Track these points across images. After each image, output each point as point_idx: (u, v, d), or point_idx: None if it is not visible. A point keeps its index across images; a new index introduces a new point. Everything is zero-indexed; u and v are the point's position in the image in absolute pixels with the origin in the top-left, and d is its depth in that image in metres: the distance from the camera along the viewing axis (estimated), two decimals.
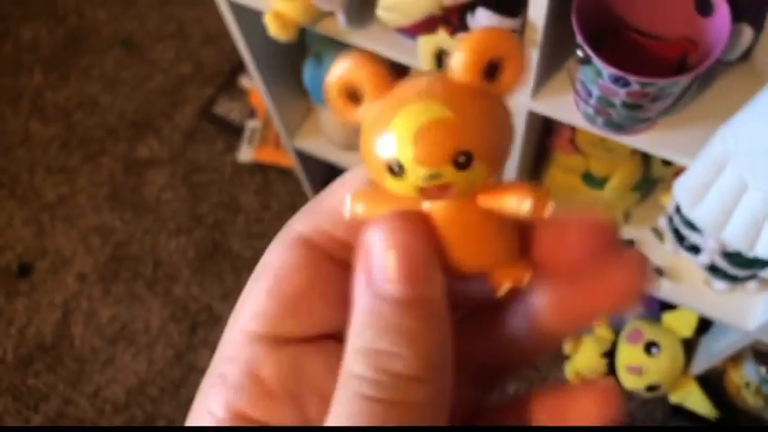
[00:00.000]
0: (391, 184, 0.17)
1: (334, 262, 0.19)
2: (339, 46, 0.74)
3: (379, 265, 0.17)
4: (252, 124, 1.27)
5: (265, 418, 0.18)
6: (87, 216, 1.32)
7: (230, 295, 1.23)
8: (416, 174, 0.16)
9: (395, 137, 0.17)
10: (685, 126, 0.66)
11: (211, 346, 1.18)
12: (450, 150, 0.16)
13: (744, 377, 1.04)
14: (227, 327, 0.19)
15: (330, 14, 0.71)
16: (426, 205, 0.18)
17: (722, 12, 0.58)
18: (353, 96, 0.18)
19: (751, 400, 1.04)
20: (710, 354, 0.96)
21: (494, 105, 0.17)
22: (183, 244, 1.28)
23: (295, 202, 1.25)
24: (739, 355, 1.04)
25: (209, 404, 0.18)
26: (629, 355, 0.98)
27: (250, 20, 0.77)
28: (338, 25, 0.71)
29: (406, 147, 0.16)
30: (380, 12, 0.64)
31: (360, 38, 0.72)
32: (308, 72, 0.86)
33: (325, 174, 1.12)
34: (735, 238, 0.64)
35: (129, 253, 1.28)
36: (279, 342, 0.18)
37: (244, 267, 1.25)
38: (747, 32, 0.61)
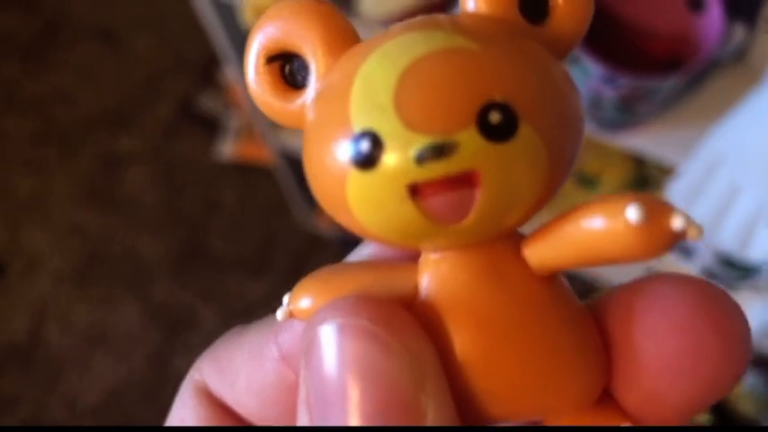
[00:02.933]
0: (357, 195, 0.10)
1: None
2: None
3: (333, 390, 0.10)
4: (234, 120, 1.24)
5: None
6: (64, 214, 1.29)
7: (212, 296, 1.20)
8: (406, 147, 0.09)
9: (362, 93, 0.09)
10: (678, 127, 0.64)
11: (192, 349, 1.15)
12: (475, 96, 0.09)
13: (741, 384, 1.03)
14: None
15: None
16: (425, 277, 0.10)
17: (714, 9, 0.56)
18: (290, 77, 0.11)
19: (749, 407, 1.03)
20: None
21: (542, 51, 0.10)
22: (163, 243, 1.25)
23: (277, 201, 1.22)
24: None
25: None
26: None
27: (229, 13, 0.75)
28: None
29: (385, 100, 0.09)
30: (365, 6, 0.61)
31: None
32: None
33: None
34: (728, 241, 0.63)
35: (108, 252, 1.25)
36: None
37: (226, 267, 1.22)
38: (740, 31, 0.60)
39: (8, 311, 1.22)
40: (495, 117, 0.09)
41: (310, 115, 0.11)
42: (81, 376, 1.16)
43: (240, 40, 0.79)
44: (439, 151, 0.09)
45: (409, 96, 0.09)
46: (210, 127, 1.30)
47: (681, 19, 0.59)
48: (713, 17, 0.56)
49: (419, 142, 0.09)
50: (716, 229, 0.64)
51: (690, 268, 0.81)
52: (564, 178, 0.10)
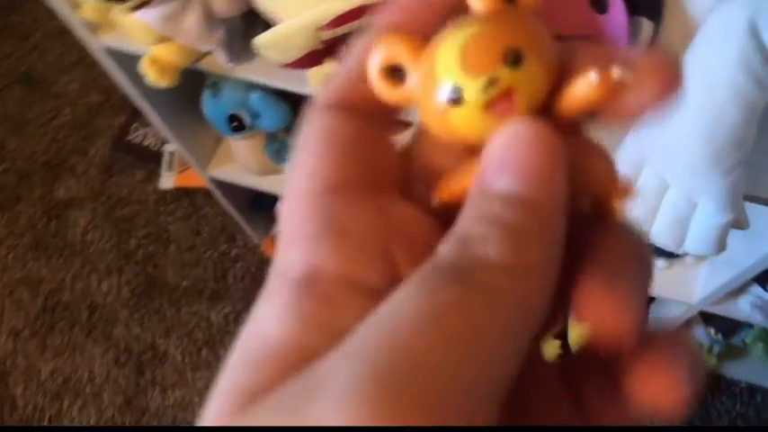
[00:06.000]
0: (457, 119, 0.16)
1: (378, 122, 0.18)
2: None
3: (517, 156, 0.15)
4: (169, 149, 1.21)
5: (350, 269, 0.16)
6: (11, 269, 1.26)
7: (172, 329, 1.18)
8: (474, 89, 0.16)
9: (442, 65, 0.16)
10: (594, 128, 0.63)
11: (161, 385, 1.14)
12: (498, 50, 0.16)
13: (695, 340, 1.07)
14: (286, 194, 0.17)
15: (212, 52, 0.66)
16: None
17: (617, 7, 0.55)
18: (395, 75, 0.18)
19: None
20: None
21: (524, 13, 0.17)
22: (115, 283, 1.22)
23: (226, 224, 1.20)
24: (689, 320, 1.06)
25: (286, 260, 0.16)
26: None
27: (133, 61, 0.71)
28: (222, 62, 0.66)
29: (456, 66, 0.16)
30: (260, 50, 0.59)
31: (247, 72, 0.67)
32: (207, 105, 0.81)
33: (250, 195, 1.07)
34: (662, 237, 0.62)
35: (62, 301, 1.22)
36: (350, 192, 0.17)
37: (182, 298, 1.20)
38: (647, 25, 0.58)
39: None
40: (511, 56, 0.15)
41: (420, 86, 0.17)
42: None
43: (143, 86, 0.74)
44: (492, 83, 0.15)
45: (467, 57, 0.16)
46: (148, 159, 1.27)
47: (586, 20, 0.58)
48: (618, 15, 0.55)
49: (480, 81, 0.15)
50: (650, 226, 0.63)
51: None
52: (552, 76, 0.16)
